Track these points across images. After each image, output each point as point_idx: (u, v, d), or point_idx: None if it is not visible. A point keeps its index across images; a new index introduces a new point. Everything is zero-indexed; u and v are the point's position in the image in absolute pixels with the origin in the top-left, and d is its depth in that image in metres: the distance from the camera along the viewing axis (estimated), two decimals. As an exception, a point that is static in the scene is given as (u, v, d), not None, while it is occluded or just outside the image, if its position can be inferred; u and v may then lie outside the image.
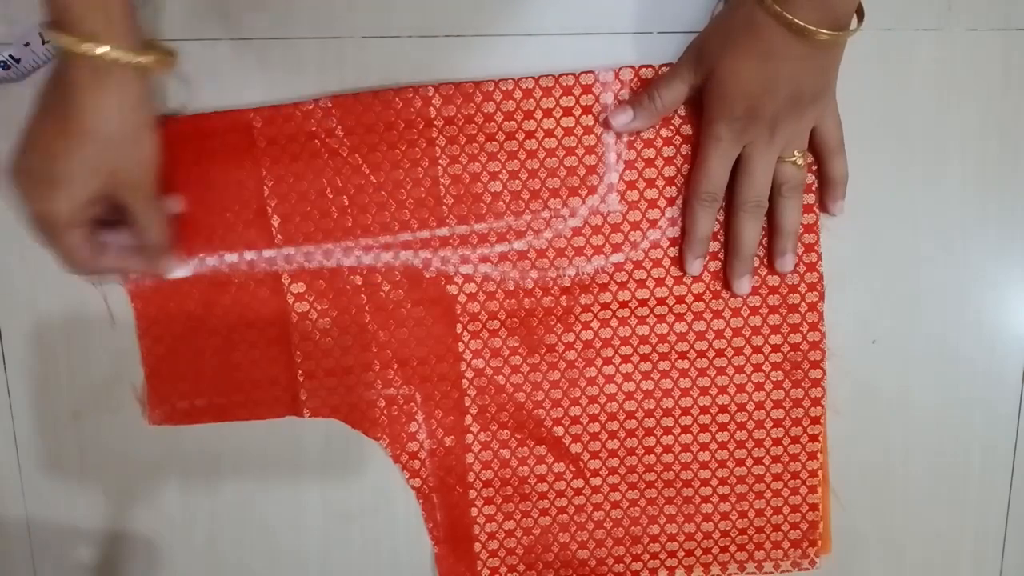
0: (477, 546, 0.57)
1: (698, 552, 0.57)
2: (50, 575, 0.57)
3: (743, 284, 0.53)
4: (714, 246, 0.54)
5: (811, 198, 0.53)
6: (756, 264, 0.54)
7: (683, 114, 0.52)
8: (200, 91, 0.52)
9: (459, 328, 0.54)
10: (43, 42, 0.49)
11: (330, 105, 0.51)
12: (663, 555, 0.57)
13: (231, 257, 0.53)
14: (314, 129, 0.52)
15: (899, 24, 0.52)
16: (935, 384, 0.57)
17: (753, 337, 0.55)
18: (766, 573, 0.57)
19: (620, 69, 0.52)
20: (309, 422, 0.55)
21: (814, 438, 0.55)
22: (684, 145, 0.52)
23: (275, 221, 0.53)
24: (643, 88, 0.51)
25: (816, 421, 0.55)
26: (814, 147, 0.52)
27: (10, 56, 0.49)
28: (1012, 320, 0.56)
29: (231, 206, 0.53)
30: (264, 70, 0.52)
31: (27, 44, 0.49)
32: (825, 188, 0.53)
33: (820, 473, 0.56)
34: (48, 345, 0.55)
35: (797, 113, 0.49)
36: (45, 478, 0.56)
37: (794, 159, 0.50)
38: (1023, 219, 0.55)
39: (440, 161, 0.52)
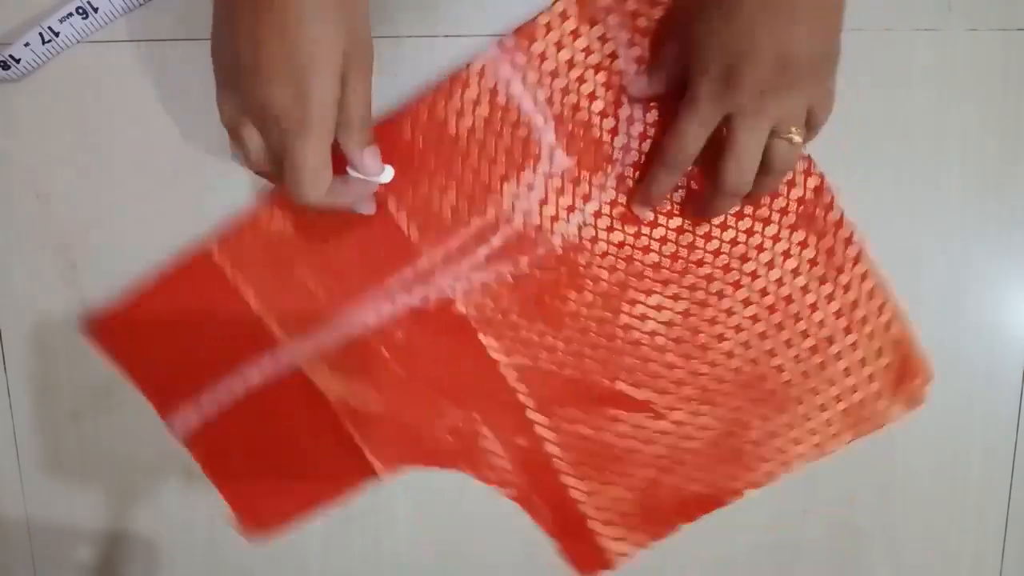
0: (591, 523, 0.57)
1: (803, 436, 0.56)
2: (50, 575, 0.57)
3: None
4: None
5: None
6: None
7: (601, 55, 0.52)
8: (199, 91, 0.52)
9: (482, 338, 0.54)
10: (43, 42, 0.49)
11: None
12: (770, 452, 0.56)
13: (251, 374, 0.54)
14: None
15: (899, 24, 0.52)
16: (935, 384, 0.56)
17: (766, 228, 0.54)
18: (879, 426, 0.56)
19: (500, 40, 0.51)
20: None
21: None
22: (600, 73, 0.51)
23: (274, 328, 0.54)
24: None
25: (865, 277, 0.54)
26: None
27: (10, 56, 0.49)
28: (1012, 320, 0.56)
29: (229, 331, 0.54)
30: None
31: (27, 44, 0.49)
32: None
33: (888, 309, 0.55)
34: (48, 345, 0.55)
35: (782, 82, 0.43)
36: (45, 478, 0.56)
37: (791, 135, 0.45)
38: (1023, 219, 0.55)
39: (388, 203, 0.52)
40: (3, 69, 0.49)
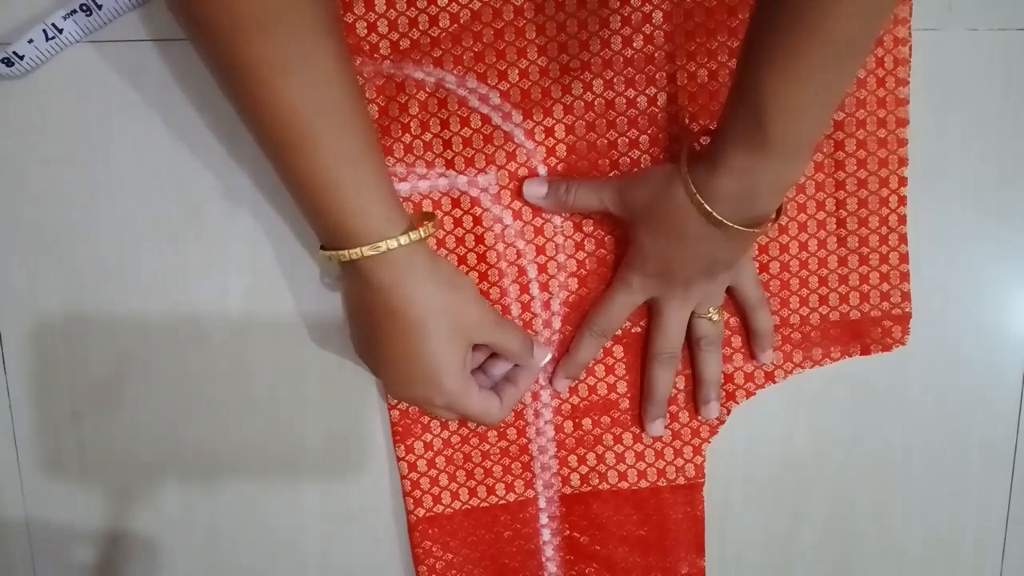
0: None
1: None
2: (50, 575, 0.57)
3: (656, 427, 0.55)
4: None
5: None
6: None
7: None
8: (199, 91, 0.52)
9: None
10: (47, 39, 0.49)
11: None
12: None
13: None
14: None
15: (899, 24, 0.53)
16: (935, 384, 0.57)
17: None
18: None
19: None
20: (309, 422, 0.55)
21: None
22: None
23: None
24: (565, 180, 0.52)
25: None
26: (735, 302, 0.54)
27: (13, 52, 0.49)
28: (1012, 320, 0.56)
29: None
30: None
31: (31, 41, 0.49)
32: (753, 341, 0.54)
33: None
34: (48, 345, 0.54)
35: (711, 277, 0.50)
36: (45, 478, 0.56)
37: (710, 315, 0.52)
38: (1023, 219, 0.55)
39: None
40: (7, 66, 0.49)
